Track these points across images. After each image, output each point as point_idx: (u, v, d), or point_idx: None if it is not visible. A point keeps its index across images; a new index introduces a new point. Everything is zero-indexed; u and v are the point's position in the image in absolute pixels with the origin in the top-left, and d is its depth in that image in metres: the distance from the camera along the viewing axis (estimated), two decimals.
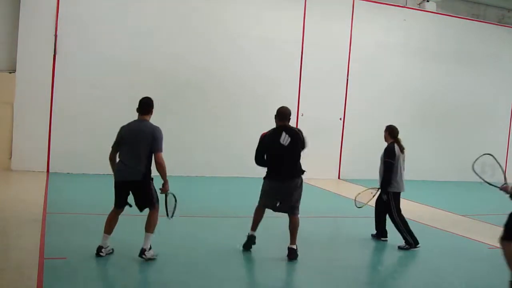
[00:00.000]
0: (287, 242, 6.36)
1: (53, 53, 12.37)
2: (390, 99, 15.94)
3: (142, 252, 5.72)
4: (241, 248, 6.54)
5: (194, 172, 12.80)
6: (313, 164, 15.33)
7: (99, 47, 12.77)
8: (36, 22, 12.23)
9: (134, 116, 6.08)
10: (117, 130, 5.95)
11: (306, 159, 16.48)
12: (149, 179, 5.87)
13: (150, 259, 5.73)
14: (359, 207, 7.75)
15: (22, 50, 12.17)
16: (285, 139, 6.38)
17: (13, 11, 12.26)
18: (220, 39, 13.86)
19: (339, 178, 15.46)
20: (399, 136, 7.72)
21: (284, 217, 6.51)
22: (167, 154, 13.69)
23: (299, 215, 6.45)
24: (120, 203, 5.84)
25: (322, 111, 15.05)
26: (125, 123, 6.06)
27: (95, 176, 12.24)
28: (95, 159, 12.66)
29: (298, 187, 6.46)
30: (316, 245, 7.33)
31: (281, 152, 6.39)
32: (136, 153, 5.81)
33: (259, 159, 6.52)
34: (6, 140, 12.20)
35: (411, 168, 15.70)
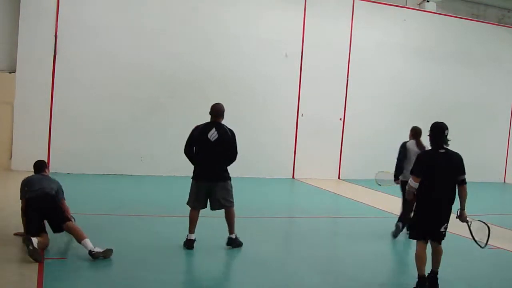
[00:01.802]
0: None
1: (53, 53, 12.37)
2: (390, 99, 15.93)
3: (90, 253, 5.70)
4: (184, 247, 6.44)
5: None
6: (313, 164, 15.45)
7: (99, 47, 12.77)
8: (36, 23, 12.23)
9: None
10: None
11: (306, 159, 16.44)
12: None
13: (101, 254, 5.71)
14: (379, 185, 8.77)
15: (22, 50, 12.17)
16: (213, 134, 6.34)
17: (13, 11, 12.26)
18: (220, 39, 13.86)
19: (339, 178, 15.46)
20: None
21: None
22: (168, 154, 13.78)
23: (234, 207, 6.52)
24: None
25: (322, 111, 15.04)
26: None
27: (95, 176, 12.26)
28: (95, 159, 12.70)
29: (225, 188, 6.46)
30: (317, 245, 7.33)
31: (206, 147, 6.34)
32: None
33: (188, 150, 6.49)
34: (6, 140, 12.20)
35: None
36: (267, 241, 7.33)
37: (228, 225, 6.58)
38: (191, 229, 6.45)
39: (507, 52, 17.62)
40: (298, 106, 14.87)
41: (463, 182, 5.40)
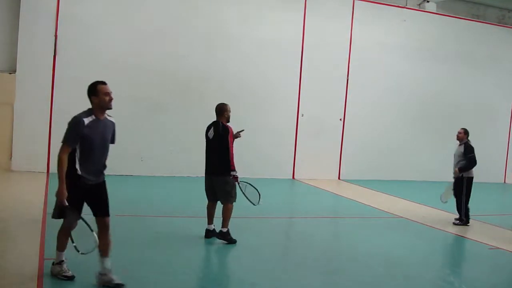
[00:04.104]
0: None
1: (53, 53, 12.36)
2: (390, 99, 15.93)
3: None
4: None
5: (195, 173, 12.79)
6: (313, 164, 15.45)
7: (99, 47, 12.75)
8: (36, 23, 12.21)
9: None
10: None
11: (306, 159, 16.37)
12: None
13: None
14: (444, 202, 9.53)
15: (22, 51, 12.16)
16: (210, 132, 6.98)
17: (13, 11, 12.24)
18: (220, 40, 13.85)
19: (339, 178, 15.45)
20: None
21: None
22: (168, 154, 13.71)
23: (231, 204, 6.88)
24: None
25: (322, 112, 15.03)
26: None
27: None
28: None
29: (226, 183, 6.84)
30: (317, 246, 7.33)
31: (207, 144, 7.03)
32: None
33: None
34: (7, 141, 12.19)
35: (412, 168, 15.84)
36: (267, 241, 7.33)
37: (222, 219, 6.89)
38: (208, 221, 7.09)
39: (507, 52, 17.62)
40: (298, 106, 14.86)
41: None
